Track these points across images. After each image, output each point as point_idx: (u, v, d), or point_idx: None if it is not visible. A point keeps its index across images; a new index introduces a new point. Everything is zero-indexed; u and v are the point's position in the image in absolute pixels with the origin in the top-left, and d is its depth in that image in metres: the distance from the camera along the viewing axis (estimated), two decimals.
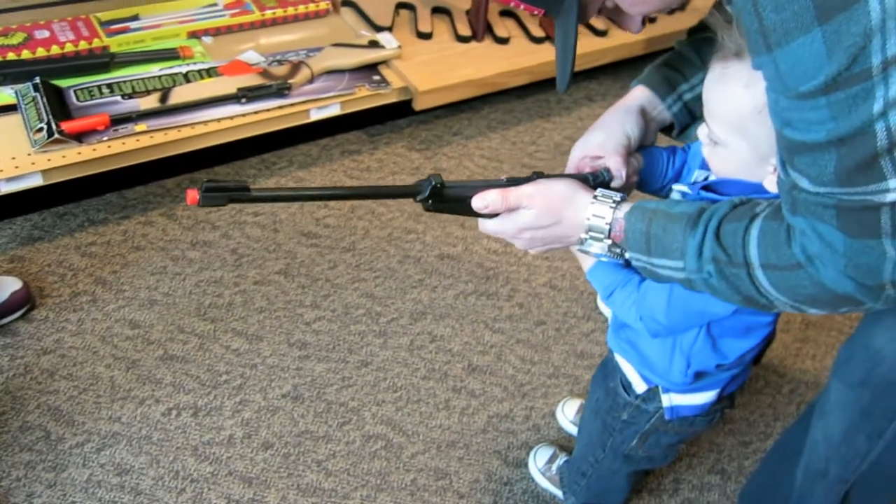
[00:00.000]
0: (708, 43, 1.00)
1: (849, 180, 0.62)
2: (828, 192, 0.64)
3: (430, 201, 0.83)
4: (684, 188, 0.90)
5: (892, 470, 1.11)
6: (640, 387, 1.05)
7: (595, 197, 0.84)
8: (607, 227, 0.83)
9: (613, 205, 0.83)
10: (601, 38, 2.17)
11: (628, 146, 0.95)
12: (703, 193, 0.87)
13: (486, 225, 0.90)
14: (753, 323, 0.95)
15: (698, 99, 0.98)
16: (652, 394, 1.04)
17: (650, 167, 1.01)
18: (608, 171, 0.93)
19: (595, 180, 0.91)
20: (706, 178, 0.93)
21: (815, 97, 0.60)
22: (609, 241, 0.84)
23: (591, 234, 0.84)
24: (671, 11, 0.98)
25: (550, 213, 0.85)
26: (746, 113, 0.78)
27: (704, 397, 1.03)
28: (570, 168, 0.97)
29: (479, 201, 0.85)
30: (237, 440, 1.39)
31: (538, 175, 0.88)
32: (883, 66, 0.56)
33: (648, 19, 0.91)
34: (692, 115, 1.02)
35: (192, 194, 0.70)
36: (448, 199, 0.84)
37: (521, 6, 0.84)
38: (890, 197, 0.61)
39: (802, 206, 0.68)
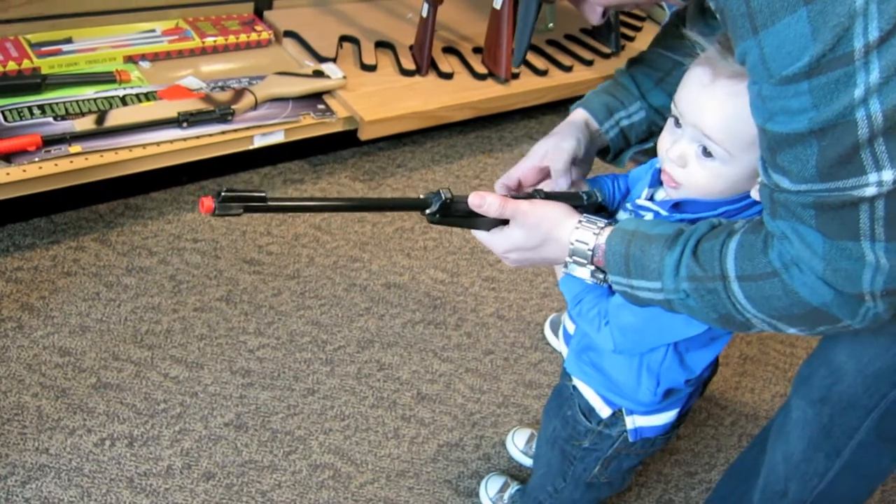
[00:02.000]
0: (644, 74, 1.04)
1: (830, 174, 0.62)
2: (808, 190, 0.64)
3: (437, 215, 0.83)
4: (657, 209, 0.89)
5: (849, 490, 1.12)
6: (603, 411, 1.03)
7: (580, 222, 0.84)
8: (590, 252, 0.83)
9: (597, 230, 0.83)
10: (542, 78, 2.22)
11: (577, 150, 0.98)
12: (674, 212, 0.86)
13: (479, 235, 0.91)
14: (716, 330, 0.95)
15: (633, 126, 1.04)
16: (615, 418, 1.03)
17: (605, 195, 1.03)
18: (600, 191, 0.95)
19: (588, 199, 0.93)
20: (667, 198, 0.93)
21: (798, 81, 0.60)
22: (592, 267, 0.84)
23: (574, 258, 0.84)
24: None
25: (538, 234, 0.85)
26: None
27: (667, 417, 1.03)
28: (524, 170, 0.99)
29: (476, 199, 0.84)
30: (176, 471, 1.30)
31: (539, 192, 0.89)
32: (865, 51, 0.57)
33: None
34: (627, 140, 1.05)
35: (208, 202, 0.65)
36: (455, 214, 0.84)
37: None
38: (869, 191, 0.61)
39: (783, 208, 0.68)
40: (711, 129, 0.77)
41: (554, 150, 0.97)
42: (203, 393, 1.43)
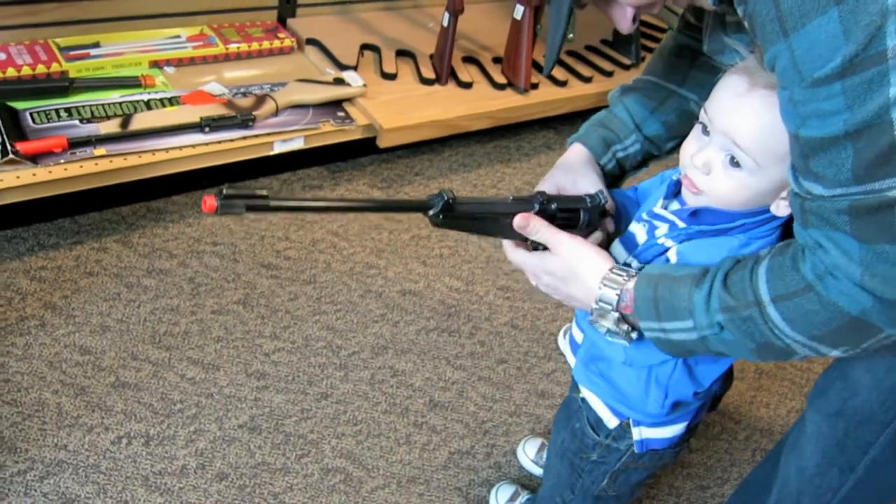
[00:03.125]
0: (638, 104, 1.05)
1: (867, 175, 0.62)
2: (842, 194, 0.64)
3: (440, 216, 0.82)
4: (674, 218, 0.89)
5: None
6: (611, 422, 1.03)
7: (611, 269, 0.84)
8: (616, 297, 0.83)
9: (626, 278, 0.83)
10: (561, 88, 2.23)
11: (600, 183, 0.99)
12: (692, 221, 0.86)
13: (515, 254, 0.92)
14: None
15: (628, 157, 1.05)
16: (622, 431, 1.03)
17: (625, 207, 1.04)
18: (603, 192, 0.95)
19: (592, 202, 0.93)
20: (685, 207, 0.93)
21: (830, 83, 0.60)
22: (617, 314, 0.83)
23: (600, 303, 0.84)
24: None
25: (569, 267, 0.86)
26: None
27: (674, 430, 1.03)
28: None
29: (521, 220, 0.86)
30: (190, 470, 1.32)
31: (542, 195, 0.90)
32: None
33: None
34: (623, 169, 1.06)
35: (210, 201, 0.66)
36: (459, 216, 0.84)
37: None
38: None
39: (814, 216, 0.68)
40: (744, 139, 0.77)
41: (572, 187, 0.98)
42: (218, 394, 1.45)
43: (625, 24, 0.84)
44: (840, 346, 0.72)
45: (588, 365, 1.02)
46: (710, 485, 1.57)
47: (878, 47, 0.57)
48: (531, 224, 0.87)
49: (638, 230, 0.93)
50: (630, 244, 0.94)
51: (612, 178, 1.06)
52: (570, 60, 2.34)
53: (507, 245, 0.93)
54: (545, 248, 0.89)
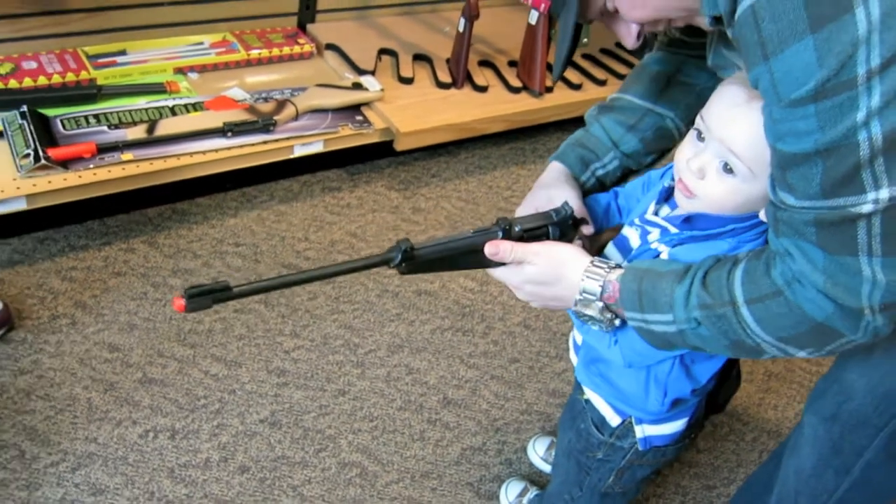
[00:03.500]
0: (615, 121, 1.09)
1: (832, 191, 0.67)
2: (810, 206, 0.69)
3: (403, 265, 0.87)
4: (666, 224, 0.93)
5: None
6: (613, 420, 1.07)
7: (592, 262, 0.89)
8: (600, 288, 0.87)
9: (608, 269, 0.88)
10: (575, 92, 2.26)
11: (579, 196, 1.04)
12: (684, 227, 0.90)
13: (494, 271, 0.96)
14: None
15: (608, 174, 1.09)
16: (626, 429, 1.07)
17: (599, 211, 1.08)
18: (568, 204, 0.98)
19: (558, 215, 0.96)
20: (676, 214, 0.97)
21: (805, 104, 0.65)
22: (601, 304, 0.88)
23: (584, 294, 0.88)
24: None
25: (551, 271, 0.90)
26: None
27: (675, 426, 1.06)
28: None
29: (491, 248, 0.90)
30: (214, 463, 1.39)
31: (503, 220, 0.93)
32: (867, 76, 0.61)
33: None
34: (603, 185, 1.11)
35: (179, 302, 0.72)
36: (422, 262, 0.88)
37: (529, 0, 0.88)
38: (866, 208, 0.66)
39: (785, 226, 0.73)
40: (740, 147, 0.80)
41: (548, 204, 1.01)
42: (241, 390, 1.51)
43: (629, 39, 0.88)
44: (806, 347, 0.77)
45: (588, 366, 1.06)
46: (716, 484, 1.60)
47: (849, 74, 0.62)
48: (501, 249, 0.91)
49: (631, 234, 0.97)
50: (624, 248, 0.98)
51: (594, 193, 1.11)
52: (584, 63, 2.38)
53: (489, 268, 0.97)
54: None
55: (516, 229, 0.93)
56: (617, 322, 0.90)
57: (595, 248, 1.04)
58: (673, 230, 0.91)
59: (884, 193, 0.65)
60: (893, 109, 0.62)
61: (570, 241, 0.98)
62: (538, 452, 1.54)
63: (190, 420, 1.44)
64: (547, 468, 1.52)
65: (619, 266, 0.89)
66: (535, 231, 0.95)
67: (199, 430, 1.43)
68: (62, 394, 1.43)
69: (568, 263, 0.90)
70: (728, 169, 0.83)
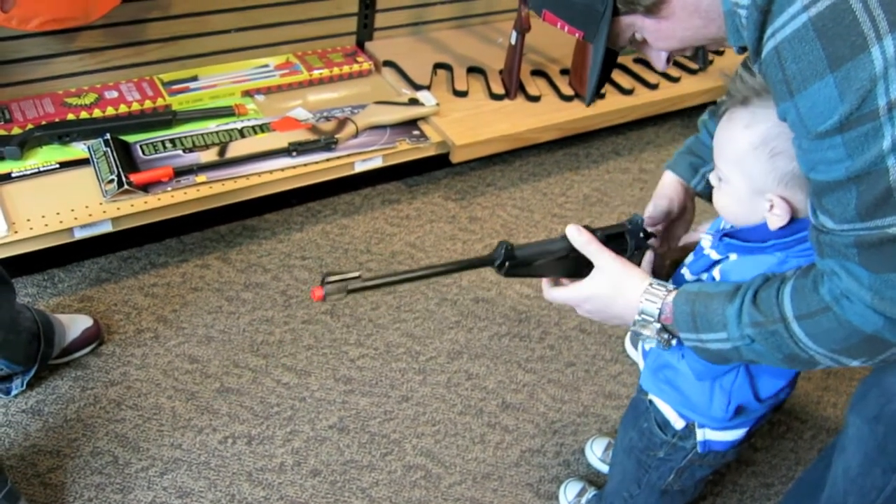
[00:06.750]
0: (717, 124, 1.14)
1: (868, 214, 0.71)
2: (850, 229, 0.73)
3: (505, 263, 0.95)
4: (709, 237, 1.00)
5: None
6: (677, 423, 1.11)
7: (651, 284, 0.94)
8: (658, 310, 0.93)
9: (666, 292, 0.93)
10: (628, 97, 2.29)
11: (671, 207, 1.12)
12: (726, 240, 0.96)
13: (553, 293, 1.03)
14: None
15: None
16: (689, 431, 1.11)
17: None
18: (639, 215, 1.07)
19: (631, 223, 1.05)
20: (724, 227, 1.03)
21: (832, 136, 0.70)
22: (658, 325, 0.94)
23: (643, 315, 0.94)
24: (697, 55, 1.10)
25: (614, 285, 0.96)
26: (744, 149, 0.89)
27: (735, 434, 1.11)
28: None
29: (574, 230, 0.98)
30: (288, 467, 1.48)
31: (587, 227, 1.00)
32: (888, 108, 0.66)
33: (674, 62, 1.02)
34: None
35: (318, 291, 0.83)
36: (519, 262, 0.96)
37: (566, 28, 0.94)
38: None
39: (829, 248, 0.77)
40: (714, 152, 0.93)
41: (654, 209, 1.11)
42: (310, 398, 1.61)
43: (660, 64, 0.94)
44: (858, 357, 0.81)
45: (656, 373, 1.10)
46: (774, 482, 1.61)
47: (870, 106, 0.67)
48: (583, 234, 0.97)
49: (704, 241, 1.04)
50: (696, 253, 1.05)
51: (708, 196, 1.15)
52: (636, 68, 2.40)
53: (545, 288, 1.04)
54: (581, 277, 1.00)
55: (598, 234, 1.01)
56: (674, 342, 0.95)
57: (669, 263, 1.11)
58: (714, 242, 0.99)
59: None
60: None
61: (643, 251, 1.06)
62: (596, 453, 1.58)
63: (265, 427, 1.54)
64: (605, 468, 1.56)
65: (676, 288, 0.94)
66: (613, 236, 1.03)
67: (274, 437, 1.53)
68: (149, 403, 1.55)
69: (629, 281, 0.95)
70: (718, 178, 0.94)
